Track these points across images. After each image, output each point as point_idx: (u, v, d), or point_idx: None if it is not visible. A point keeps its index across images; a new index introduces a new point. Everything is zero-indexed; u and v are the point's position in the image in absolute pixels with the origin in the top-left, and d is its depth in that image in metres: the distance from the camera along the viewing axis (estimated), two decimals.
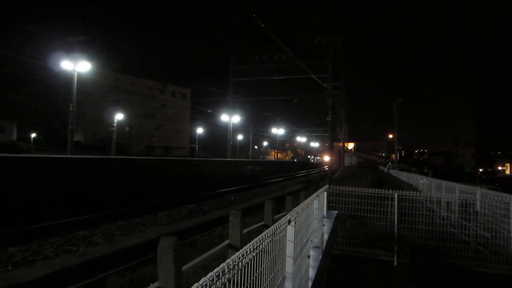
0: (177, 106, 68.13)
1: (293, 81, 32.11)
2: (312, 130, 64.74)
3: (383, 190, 7.02)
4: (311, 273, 4.06)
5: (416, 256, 6.56)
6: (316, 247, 4.48)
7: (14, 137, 38.91)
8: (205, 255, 4.40)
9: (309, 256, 4.14)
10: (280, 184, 28.38)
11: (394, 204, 6.78)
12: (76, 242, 8.47)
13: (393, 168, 42.79)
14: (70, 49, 17.29)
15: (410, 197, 6.82)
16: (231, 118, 32.68)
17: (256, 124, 55.93)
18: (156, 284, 3.31)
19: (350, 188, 7.23)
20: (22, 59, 20.21)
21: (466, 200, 7.77)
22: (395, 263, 6.63)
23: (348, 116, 50.69)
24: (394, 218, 6.76)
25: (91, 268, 6.49)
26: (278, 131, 54.24)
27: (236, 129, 38.42)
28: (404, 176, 28.70)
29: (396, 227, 6.73)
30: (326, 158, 52.54)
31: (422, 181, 18.43)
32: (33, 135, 44.82)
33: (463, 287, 5.87)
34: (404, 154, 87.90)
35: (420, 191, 9.10)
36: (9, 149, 29.15)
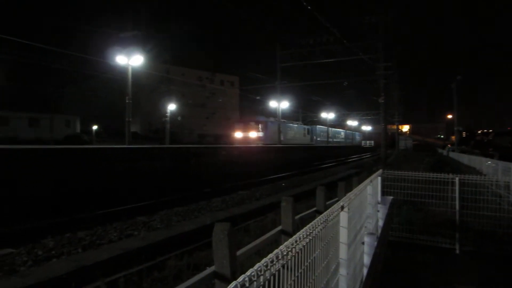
0: (226, 94, 69.17)
1: (342, 63, 31.04)
2: (363, 113, 62.62)
3: (442, 174, 6.62)
4: (366, 260, 3.96)
5: (481, 244, 6.15)
6: (371, 234, 4.36)
7: (78, 130, 41.91)
8: (258, 241, 4.46)
9: (363, 243, 4.03)
10: (331, 169, 27.92)
11: (455, 189, 6.38)
12: (137, 227, 9.01)
13: (453, 150, 40.23)
14: (124, 44, 18.13)
15: (474, 181, 6.37)
16: (279, 104, 32.53)
17: (305, 109, 55.21)
18: (212, 268, 3.42)
19: (406, 172, 6.90)
20: (83, 56, 21.56)
21: None
22: (457, 251, 6.27)
23: (402, 97, 48.27)
24: (455, 204, 6.36)
25: (151, 251, 6.87)
26: (328, 115, 53.11)
27: (285, 115, 38.26)
28: (465, 159, 26.90)
29: (457, 213, 6.33)
30: (379, 142, 50.55)
31: (487, 164, 17.14)
32: (95, 127, 47.95)
33: None
34: (465, 135, 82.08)
35: (485, 175, 8.48)
36: (74, 141, 31.53)
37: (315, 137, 46.88)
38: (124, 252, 6.55)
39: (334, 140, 55.75)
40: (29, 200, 9.82)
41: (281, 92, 32.75)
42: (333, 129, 55.78)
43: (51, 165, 10.78)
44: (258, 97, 40.77)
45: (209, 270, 3.50)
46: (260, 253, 4.60)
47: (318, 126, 50.34)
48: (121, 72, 20.24)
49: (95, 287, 5.43)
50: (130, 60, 18.00)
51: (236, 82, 74.06)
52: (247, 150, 23.29)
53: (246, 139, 32.27)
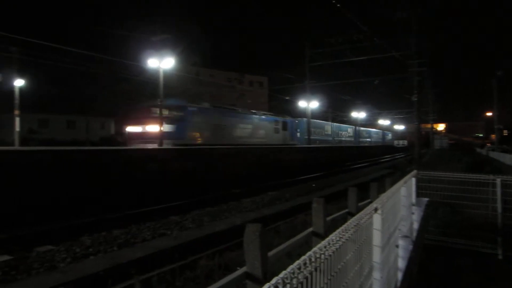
0: (255, 95, 69.34)
1: (372, 61, 30.45)
2: (395, 112, 60.92)
3: (481, 175, 6.32)
4: (401, 263, 3.84)
5: None
6: (405, 236, 4.23)
7: (112, 131, 43.41)
8: (289, 242, 4.43)
9: (397, 246, 3.92)
10: (363, 170, 27.36)
11: (497, 191, 6.06)
12: (169, 226, 9.20)
13: (493, 150, 38.32)
14: (155, 48, 18.57)
15: None
16: (309, 104, 32.26)
17: (335, 109, 54.42)
18: (244, 269, 3.44)
19: (442, 173, 6.65)
20: (116, 60, 22.34)
21: None
22: (500, 256, 5.96)
23: (437, 94, 46.50)
24: (497, 207, 6.05)
25: (183, 251, 6.99)
26: (358, 114, 52.08)
27: (314, 115, 37.76)
28: (507, 158, 25.57)
29: (499, 216, 6.02)
30: (412, 141, 48.84)
31: None
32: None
33: None
34: (507, 133, 77.69)
35: None
36: (109, 142, 32.67)
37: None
38: (157, 251, 6.71)
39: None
40: (70, 198, 10.27)
41: (311, 92, 32.45)
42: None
43: (92, 166, 11.23)
44: (287, 97, 40.62)
45: (240, 270, 3.51)
46: (290, 254, 4.58)
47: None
48: (153, 75, 20.75)
49: (130, 284, 5.59)
50: (162, 63, 18.43)
51: (265, 83, 74.12)
52: (278, 151, 23.26)
53: (143, 136, 18.66)
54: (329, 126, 41.99)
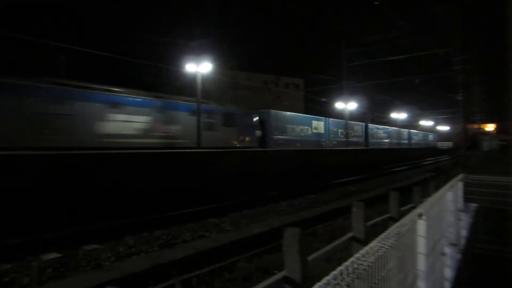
0: (291, 97, 69.05)
1: (413, 59, 29.26)
2: (438, 112, 58.26)
3: None
4: (448, 273, 3.66)
5: None
6: (453, 244, 4.02)
7: None
8: (329, 247, 4.36)
9: (443, 254, 3.73)
10: (404, 173, 26.41)
11: None
12: (208, 228, 9.35)
13: None
14: (193, 53, 19.02)
15: None
16: (346, 105, 31.64)
17: (373, 110, 52.96)
18: (283, 273, 3.42)
19: (492, 177, 6.27)
20: (156, 65, 23.17)
21: None
22: None
23: (486, 93, 43.95)
24: None
25: (222, 252, 7.07)
26: (398, 115, 50.36)
27: (352, 116, 36.84)
28: None
29: None
30: (458, 143, 46.37)
31: None
32: None
33: None
34: None
35: None
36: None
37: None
38: (196, 252, 6.83)
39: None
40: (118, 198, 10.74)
41: (348, 93, 31.83)
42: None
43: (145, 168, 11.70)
44: (323, 99, 40.08)
45: (279, 274, 3.50)
46: (330, 260, 4.50)
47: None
48: (191, 79, 21.25)
49: (171, 284, 5.73)
50: (199, 67, 18.83)
51: (301, 85, 73.67)
52: (315, 153, 23.02)
53: None
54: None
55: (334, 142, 31.97)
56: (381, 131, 44.52)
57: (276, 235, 7.83)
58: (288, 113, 27.91)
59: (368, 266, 1.68)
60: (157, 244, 7.89)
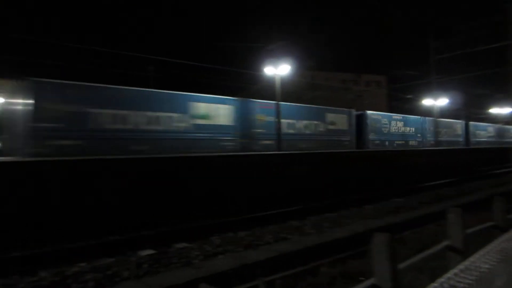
0: (373, 95, 66.05)
1: None
2: None
3: None
4: None
5: None
6: None
7: None
8: (421, 255, 4.04)
9: None
10: (508, 176, 23.46)
11: None
12: (290, 231, 9.35)
13: None
14: (271, 55, 19.28)
15: None
16: (435, 102, 29.21)
17: (469, 105, 47.98)
18: (372, 280, 3.26)
19: None
20: (235, 70, 24.05)
21: None
22: None
23: None
24: None
25: (304, 256, 7.00)
26: (500, 110, 44.85)
27: (443, 114, 33.73)
28: None
29: None
30: None
31: None
32: None
33: None
34: None
35: None
36: None
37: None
38: (279, 254, 6.86)
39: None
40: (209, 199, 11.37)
41: (437, 88, 29.34)
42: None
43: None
44: (409, 96, 37.59)
45: (367, 282, 3.34)
46: (422, 269, 4.16)
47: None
48: (269, 82, 21.56)
49: (255, 285, 5.83)
50: (278, 69, 19.01)
51: (384, 82, 70.07)
52: (400, 154, 21.69)
53: None
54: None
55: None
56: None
57: (360, 240, 7.54)
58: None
59: (469, 284, 1.50)
60: (241, 244, 8.12)
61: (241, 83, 29.10)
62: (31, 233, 8.38)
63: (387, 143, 25.17)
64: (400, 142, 26.34)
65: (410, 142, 27.57)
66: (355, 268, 6.40)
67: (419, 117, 29.64)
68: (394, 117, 27.41)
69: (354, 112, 23.95)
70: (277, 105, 18.04)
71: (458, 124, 35.52)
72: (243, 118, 17.06)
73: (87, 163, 10.00)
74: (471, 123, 37.49)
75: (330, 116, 21.67)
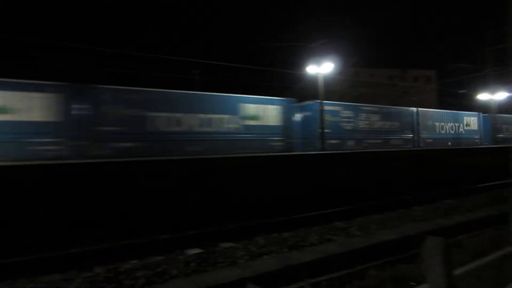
0: (421, 91, 63.09)
1: None
2: None
3: None
4: None
5: None
6: None
7: None
8: (480, 262, 3.80)
9: None
10: None
11: None
12: (335, 232, 9.19)
13: None
14: (314, 54, 19.04)
15: None
16: (492, 96, 27.32)
17: None
18: (424, 286, 3.12)
19: None
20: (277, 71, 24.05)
21: None
22: None
23: None
24: None
25: (350, 258, 6.84)
26: None
27: (505, 109, 31.30)
28: None
29: None
30: None
31: None
32: None
33: None
34: None
35: None
36: None
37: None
38: (325, 256, 6.76)
39: None
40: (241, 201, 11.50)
41: (494, 81, 27.41)
42: None
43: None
44: (462, 91, 35.44)
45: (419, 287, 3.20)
46: (481, 278, 3.89)
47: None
48: (312, 81, 21.31)
49: (300, 286, 5.80)
50: (320, 68, 18.74)
51: (433, 77, 66.66)
52: (451, 153, 20.53)
53: None
54: None
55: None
56: None
57: (409, 244, 7.24)
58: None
59: None
60: (286, 245, 8.10)
61: (285, 83, 29.03)
62: (86, 231, 8.96)
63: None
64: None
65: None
66: (404, 272, 6.16)
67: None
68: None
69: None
70: (321, 104, 17.83)
71: None
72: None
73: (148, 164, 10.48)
74: None
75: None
